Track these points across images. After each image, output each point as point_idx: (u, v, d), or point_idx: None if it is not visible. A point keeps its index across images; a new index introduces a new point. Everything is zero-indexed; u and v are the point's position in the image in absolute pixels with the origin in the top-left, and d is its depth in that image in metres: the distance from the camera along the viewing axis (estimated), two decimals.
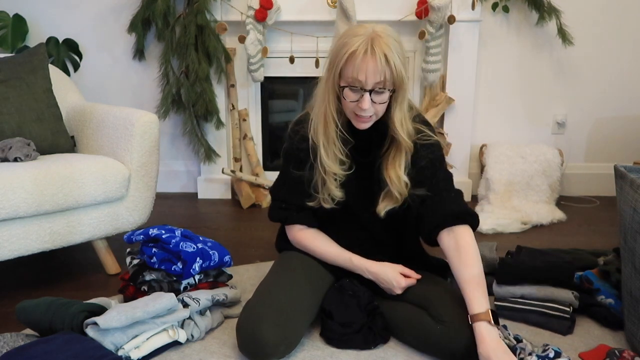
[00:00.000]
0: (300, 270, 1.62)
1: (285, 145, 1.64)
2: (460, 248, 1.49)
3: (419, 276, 1.58)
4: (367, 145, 1.56)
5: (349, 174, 1.56)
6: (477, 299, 1.41)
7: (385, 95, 1.42)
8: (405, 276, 1.59)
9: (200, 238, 1.80)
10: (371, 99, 1.40)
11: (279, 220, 1.70)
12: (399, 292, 1.58)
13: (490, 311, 1.40)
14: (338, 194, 1.55)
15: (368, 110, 1.42)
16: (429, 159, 1.55)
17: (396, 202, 1.55)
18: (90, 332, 1.44)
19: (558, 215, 2.78)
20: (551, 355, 1.42)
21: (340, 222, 1.65)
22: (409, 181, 1.53)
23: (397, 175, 1.51)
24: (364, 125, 1.48)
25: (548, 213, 2.77)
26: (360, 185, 1.59)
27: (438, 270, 1.70)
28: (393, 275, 1.57)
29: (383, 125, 1.51)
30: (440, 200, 1.55)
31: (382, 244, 1.68)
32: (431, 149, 1.56)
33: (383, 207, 1.56)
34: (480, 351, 1.35)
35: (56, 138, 2.18)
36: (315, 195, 1.58)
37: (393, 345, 1.58)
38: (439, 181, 1.57)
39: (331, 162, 1.52)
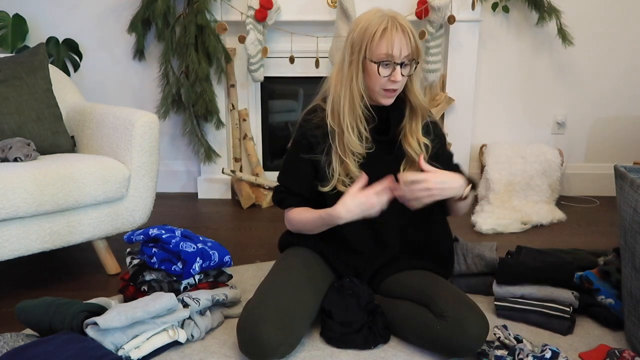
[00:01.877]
0: (301, 270, 1.62)
1: (296, 133, 1.69)
2: None
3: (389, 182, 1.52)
4: (386, 124, 1.62)
5: (370, 154, 1.61)
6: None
7: (412, 67, 1.54)
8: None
9: (200, 238, 1.80)
10: (401, 74, 1.51)
11: (277, 202, 1.73)
12: (377, 205, 1.50)
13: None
14: (357, 173, 1.58)
15: (399, 83, 1.52)
16: (440, 139, 1.70)
17: (418, 168, 1.60)
18: (90, 332, 1.44)
19: (558, 215, 2.78)
20: (548, 355, 1.42)
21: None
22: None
23: (416, 138, 1.61)
24: (390, 100, 1.57)
25: (548, 213, 2.77)
26: (380, 165, 1.62)
27: (439, 270, 1.71)
28: (352, 192, 1.52)
29: (400, 101, 1.60)
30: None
31: (387, 243, 1.68)
32: (439, 128, 1.72)
33: (405, 175, 1.60)
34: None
35: (56, 138, 2.18)
36: (328, 180, 1.61)
37: (393, 345, 1.58)
38: (448, 158, 1.75)
39: (356, 140, 1.57)
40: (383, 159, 1.63)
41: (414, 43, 1.50)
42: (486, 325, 1.46)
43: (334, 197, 1.60)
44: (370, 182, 1.60)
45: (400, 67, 1.50)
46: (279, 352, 1.44)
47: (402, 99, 1.61)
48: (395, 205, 1.63)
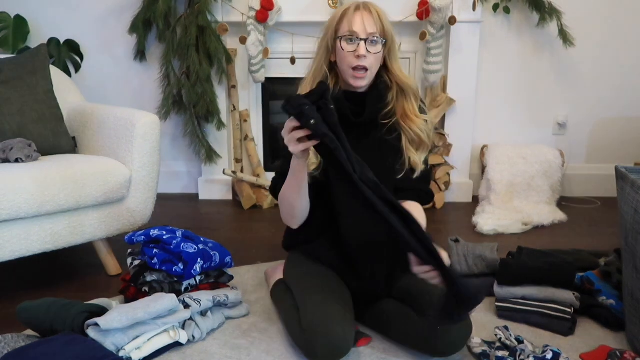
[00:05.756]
0: (326, 272, 1.63)
1: None
2: (411, 207, 1.61)
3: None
4: (361, 108, 1.59)
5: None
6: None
7: (379, 46, 1.53)
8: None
9: (202, 239, 1.81)
10: (366, 49, 1.50)
11: (272, 189, 1.70)
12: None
13: None
14: (314, 159, 1.57)
15: (365, 59, 1.50)
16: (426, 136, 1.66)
17: (426, 147, 1.63)
18: (91, 333, 1.44)
19: (559, 216, 2.78)
20: (549, 356, 1.42)
21: (338, 216, 1.63)
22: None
23: (415, 115, 1.61)
24: (360, 82, 1.54)
25: (549, 214, 2.77)
26: (362, 149, 1.55)
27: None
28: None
29: (382, 82, 1.59)
30: (417, 181, 1.66)
31: (377, 240, 1.64)
32: (427, 125, 1.67)
33: (418, 158, 1.62)
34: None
35: (57, 139, 2.19)
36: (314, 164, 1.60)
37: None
38: (425, 160, 1.69)
39: None
40: (363, 147, 1.57)
41: (379, 23, 1.51)
42: (468, 327, 1.45)
43: (320, 186, 1.59)
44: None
45: (366, 43, 1.50)
46: (350, 347, 1.43)
47: (385, 83, 1.60)
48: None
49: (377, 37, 1.51)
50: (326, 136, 1.26)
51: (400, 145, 1.62)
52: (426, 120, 1.63)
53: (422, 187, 1.68)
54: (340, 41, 1.52)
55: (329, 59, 1.59)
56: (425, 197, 1.69)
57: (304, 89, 1.60)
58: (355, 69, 1.53)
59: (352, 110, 1.59)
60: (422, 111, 1.65)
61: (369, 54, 1.51)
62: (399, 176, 1.62)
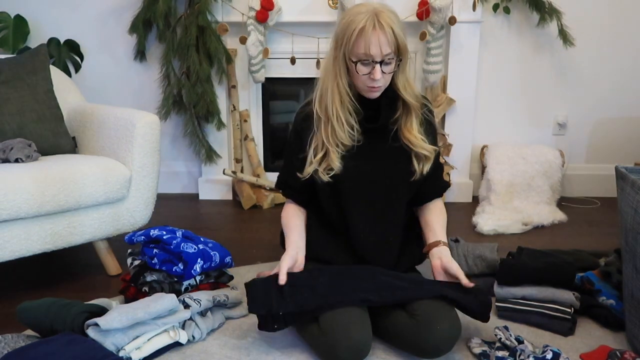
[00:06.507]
0: None
1: (291, 127, 1.71)
2: (435, 210, 1.72)
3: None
4: (376, 112, 1.61)
5: (360, 146, 1.61)
6: (440, 232, 1.65)
7: (393, 65, 1.53)
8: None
9: (201, 239, 1.81)
10: (381, 70, 1.49)
11: (277, 186, 1.79)
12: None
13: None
14: (337, 164, 1.58)
15: (379, 81, 1.51)
16: (433, 136, 1.70)
17: (428, 160, 1.64)
18: (91, 333, 1.44)
19: (559, 216, 2.78)
20: (549, 356, 1.42)
21: (351, 220, 1.65)
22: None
23: (414, 136, 1.62)
24: (375, 94, 1.57)
25: (549, 214, 2.77)
26: (372, 156, 1.63)
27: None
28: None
29: (391, 90, 1.60)
30: (435, 178, 1.71)
31: (388, 237, 1.67)
32: (433, 125, 1.71)
33: (424, 169, 1.64)
34: (436, 268, 1.58)
35: (57, 139, 2.19)
36: (308, 169, 1.61)
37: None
38: (436, 159, 1.72)
39: (345, 134, 1.58)
40: (375, 149, 1.63)
41: (395, 40, 1.48)
42: (456, 328, 1.45)
43: (327, 187, 1.61)
44: (360, 173, 1.61)
45: (381, 65, 1.48)
46: (369, 348, 1.44)
47: (393, 89, 1.60)
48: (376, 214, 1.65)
49: (392, 57, 1.50)
50: (302, 311, 1.49)
51: (410, 151, 1.63)
52: (423, 139, 1.62)
53: (437, 180, 1.72)
54: (356, 65, 1.50)
55: (347, 75, 1.56)
56: (441, 189, 1.75)
57: (327, 103, 1.58)
58: (370, 86, 1.53)
59: (365, 115, 1.60)
60: (427, 123, 1.66)
61: (383, 74, 1.51)
62: (414, 179, 1.64)
